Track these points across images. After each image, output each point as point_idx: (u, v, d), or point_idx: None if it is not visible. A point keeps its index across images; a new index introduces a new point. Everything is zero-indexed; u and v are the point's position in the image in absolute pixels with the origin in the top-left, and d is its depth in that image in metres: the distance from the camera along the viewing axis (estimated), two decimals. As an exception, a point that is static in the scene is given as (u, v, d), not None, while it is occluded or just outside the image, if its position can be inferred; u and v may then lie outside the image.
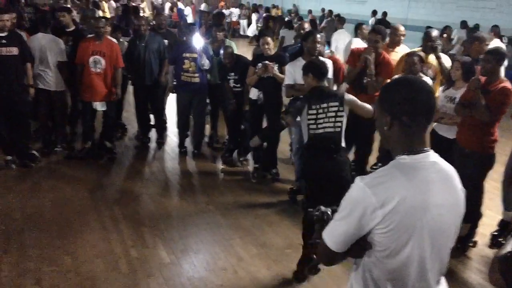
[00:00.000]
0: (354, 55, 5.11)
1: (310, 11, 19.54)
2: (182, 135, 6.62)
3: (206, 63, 6.05)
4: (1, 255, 3.93)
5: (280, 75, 5.31)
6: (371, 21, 14.91)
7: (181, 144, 6.63)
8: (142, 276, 3.78)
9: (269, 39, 5.50)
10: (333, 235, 1.66)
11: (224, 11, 19.44)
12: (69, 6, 11.49)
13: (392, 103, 1.62)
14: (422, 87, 1.62)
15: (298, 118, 3.79)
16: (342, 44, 7.81)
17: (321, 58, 4.89)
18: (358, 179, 1.61)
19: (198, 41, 6.07)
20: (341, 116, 3.70)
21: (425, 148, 1.64)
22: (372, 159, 5.77)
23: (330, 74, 4.84)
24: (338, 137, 3.74)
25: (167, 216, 4.83)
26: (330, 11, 16.85)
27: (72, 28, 6.41)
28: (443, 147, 4.59)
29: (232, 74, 5.93)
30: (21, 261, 3.88)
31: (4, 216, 4.62)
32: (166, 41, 6.79)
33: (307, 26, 6.11)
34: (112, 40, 6.17)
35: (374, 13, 15.95)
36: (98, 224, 4.57)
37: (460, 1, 14.56)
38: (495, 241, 4.44)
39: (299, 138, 5.02)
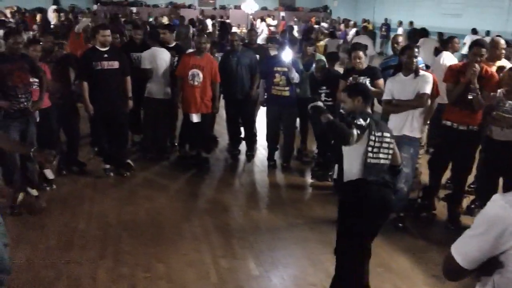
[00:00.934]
0: (453, 72, 4.85)
1: (400, 22, 19.14)
2: (271, 148, 6.66)
3: (295, 76, 6.06)
4: (98, 260, 4.14)
5: (372, 88, 5.17)
6: (468, 38, 14.04)
7: (271, 157, 6.66)
8: (231, 286, 3.81)
9: (360, 53, 5.40)
10: (465, 251, 1.63)
11: (315, 26, 19.47)
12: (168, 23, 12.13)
13: None
14: None
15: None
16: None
17: (421, 72, 4.72)
18: (498, 196, 1.58)
19: (287, 55, 6.11)
20: (393, 149, 3.39)
21: None
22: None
23: (428, 89, 4.64)
24: (387, 170, 3.39)
25: (256, 229, 4.85)
26: (411, 23, 16.41)
27: (173, 44, 6.78)
28: (498, 151, 4.52)
29: (324, 88, 5.88)
30: (116, 266, 4.06)
31: (101, 221, 4.89)
32: (257, 56, 6.92)
33: (401, 39, 5.91)
34: (211, 56, 6.43)
35: (474, 31, 15.02)
36: (189, 234, 4.70)
37: None
38: None
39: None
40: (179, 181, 6.13)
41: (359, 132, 3.14)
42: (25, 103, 4.88)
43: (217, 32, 12.66)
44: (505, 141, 4.50)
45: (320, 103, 3.47)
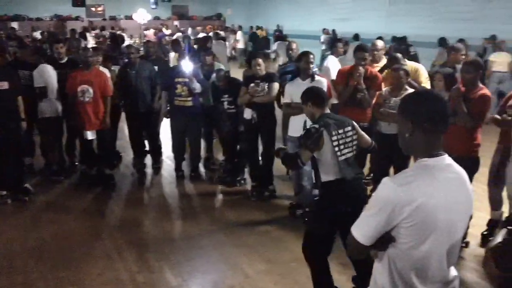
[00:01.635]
0: (342, 75, 5.26)
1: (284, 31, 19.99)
2: (178, 159, 6.67)
3: (197, 86, 6.15)
4: (9, 292, 3.92)
5: (265, 97, 5.48)
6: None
7: (178, 168, 6.67)
8: (151, 300, 3.80)
9: (260, 60, 5.63)
10: (364, 230, 1.83)
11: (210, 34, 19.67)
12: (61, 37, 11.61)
13: (415, 112, 1.82)
14: (440, 99, 1.86)
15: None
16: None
17: (316, 77, 5.05)
18: (387, 179, 1.81)
19: (187, 65, 6.18)
20: (356, 140, 3.62)
21: (441, 152, 1.84)
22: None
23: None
24: (354, 159, 3.65)
25: (170, 240, 4.86)
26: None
27: (66, 59, 6.53)
28: (387, 144, 4.84)
29: (226, 96, 6.04)
30: (29, 295, 3.88)
31: (6, 251, 4.61)
32: (155, 67, 6.91)
33: (295, 46, 6.26)
34: (100, 69, 6.29)
35: (356, 37, 16.01)
36: (101, 253, 4.58)
37: (435, 15, 14.96)
38: (486, 241, 4.56)
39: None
40: (84, 200, 5.93)
41: (312, 146, 3.43)
42: None
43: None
44: (390, 133, 4.96)
45: (284, 147, 3.93)
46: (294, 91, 5.05)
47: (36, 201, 5.84)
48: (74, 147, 6.82)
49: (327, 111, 3.71)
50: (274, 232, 4.97)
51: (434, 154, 1.82)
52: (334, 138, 3.46)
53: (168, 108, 6.51)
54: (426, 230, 1.75)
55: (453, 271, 1.95)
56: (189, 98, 6.25)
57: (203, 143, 7.03)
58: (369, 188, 5.73)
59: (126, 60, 7.03)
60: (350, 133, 3.58)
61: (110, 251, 4.62)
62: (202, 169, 6.94)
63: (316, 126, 3.49)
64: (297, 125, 5.01)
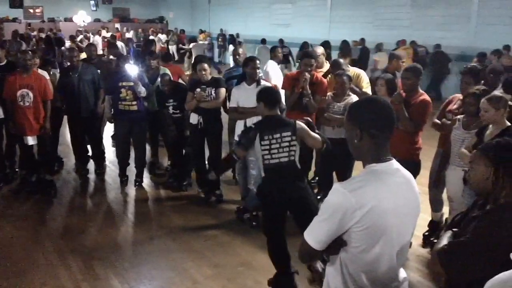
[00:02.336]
0: (289, 80, 5.39)
1: (237, 35, 20.05)
2: (122, 164, 6.55)
3: (142, 90, 6.08)
4: None
5: (212, 102, 5.54)
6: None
7: (123, 173, 6.56)
8: (97, 309, 3.74)
9: (205, 65, 5.65)
10: (315, 234, 1.87)
11: (151, 37, 19.42)
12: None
13: (362, 118, 1.88)
14: (386, 105, 1.91)
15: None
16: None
17: (262, 81, 5.16)
18: (337, 185, 1.85)
19: (132, 69, 6.11)
20: (294, 145, 3.69)
21: (389, 157, 1.91)
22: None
23: None
24: (293, 166, 3.73)
25: (116, 247, 4.79)
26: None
27: (4, 62, 6.28)
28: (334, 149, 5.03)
29: (171, 100, 6.02)
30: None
31: None
32: (98, 71, 6.77)
33: (241, 51, 6.35)
34: (40, 72, 6.10)
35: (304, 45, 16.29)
36: (44, 261, 4.45)
37: (376, 21, 15.54)
38: (427, 241, 4.82)
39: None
40: (25, 207, 5.72)
41: (245, 144, 3.72)
42: None
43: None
44: (336, 138, 5.14)
45: (235, 156, 3.94)
46: (240, 95, 5.13)
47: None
48: (14, 152, 6.54)
49: (277, 113, 3.83)
50: (221, 237, 5.01)
51: (382, 160, 1.88)
52: (265, 142, 3.64)
53: (112, 112, 6.40)
54: (377, 234, 1.81)
55: (402, 273, 2.03)
56: (134, 102, 6.16)
57: (148, 148, 6.96)
58: (314, 191, 5.93)
59: (68, 63, 6.84)
60: (287, 138, 3.66)
61: (53, 259, 4.50)
62: (147, 174, 6.86)
63: (253, 126, 3.77)
64: (242, 129, 5.09)
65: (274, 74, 6.44)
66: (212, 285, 4.09)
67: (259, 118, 5.04)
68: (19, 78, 5.77)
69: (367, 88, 5.77)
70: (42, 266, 4.36)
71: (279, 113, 3.88)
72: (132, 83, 6.07)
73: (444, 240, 2.16)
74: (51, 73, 6.63)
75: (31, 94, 5.77)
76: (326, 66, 6.25)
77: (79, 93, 6.33)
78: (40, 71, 6.19)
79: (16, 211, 5.58)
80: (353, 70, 5.88)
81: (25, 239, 4.89)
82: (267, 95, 3.83)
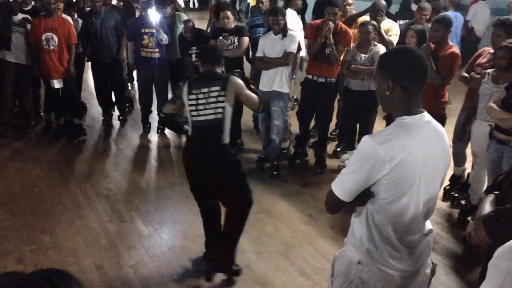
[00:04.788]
0: (312, 29, 5.28)
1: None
2: (145, 111, 6.62)
3: (164, 37, 6.05)
4: (-21, 240, 3.94)
5: (235, 51, 5.49)
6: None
7: (145, 120, 6.64)
8: (123, 248, 3.90)
9: (229, 13, 5.57)
10: (343, 186, 1.88)
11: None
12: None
13: (394, 69, 1.85)
14: (419, 55, 1.87)
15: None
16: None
17: (289, 31, 5.06)
18: (367, 137, 1.84)
19: (154, 15, 6.04)
20: (222, 102, 3.26)
21: (421, 109, 1.89)
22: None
23: (294, 48, 5.00)
24: (219, 126, 3.30)
25: (140, 191, 4.93)
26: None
27: (29, 7, 6.30)
28: (356, 101, 5.11)
29: (194, 48, 5.98)
30: (1, 243, 3.90)
31: (-27, 200, 4.59)
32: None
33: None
34: (64, 16, 6.10)
35: None
36: (71, 203, 4.62)
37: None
38: (448, 195, 4.84)
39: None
40: (51, 150, 5.87)
41: (171, 100, 3.49)
42: None
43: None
44: (360, 90, 5.10)
45: (162, 114, 3.71)
46: (266, 45, 5.07)
47: (3, 151, 5.75)
48: (39, 96, 6.67)
49: (213, 69, 3.39)
50: (241, 184, 5.10)
51: (413, 112, 1.86)
52: (192, 97, 3.28)
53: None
54: (405, 186, 1.82)
55: (428, 225, 2.05)
56: (156, 50, 6.15)
57: (170, 96, 6.98)
58: (334, 143, 5.95)
59: (90, 8, 6.80)
60: (215, 93, 3.25)
61: (80, 201, 4.66)
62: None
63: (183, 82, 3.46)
64: (268, 80, 5.08)
65: (291, 23, 6.29)
66: (232, 230, 4.21)
67: (286, 68, 5.04)
68: (43, 21, 5.81)
69: (393, 38, 5.58)
70: (69, 207, 4.53)
71: (219, 71, 3.45)
72: (154, 30, 6.04)
73: (487, 205, 2.09)
74: (75, 17, 6.62)
75: (55, 38, 5.82)
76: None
77: (102, 39, 6.33)
78: (64, 15, 6.19)
79: (42, 154, 5.73)
80: (386, 22, 5.66)
81: (52, 181, 5.05)
82: (203, 54, 3.58)
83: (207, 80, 3.32)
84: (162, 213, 4.49)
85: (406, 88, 1.84)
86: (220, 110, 3.27)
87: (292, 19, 6.42)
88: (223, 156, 3.36)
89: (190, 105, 3.30)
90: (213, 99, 3.26)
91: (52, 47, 5.84)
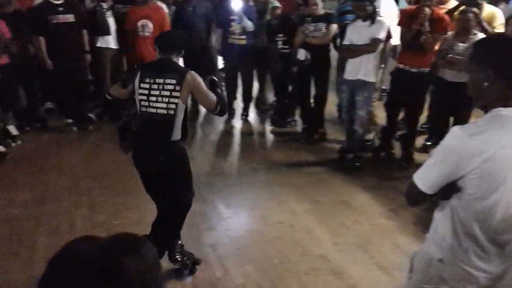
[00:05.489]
0: (405, 16, 5.06)
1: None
2: (230, 97, 6.75)
3: (248, 25, 6.09)
4: (75, 210, 4.27)
5: (321, 38, 5.41)
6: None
7: (230, 106, 6.77)
8: (204, 228, 4.03)
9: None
10: (426, 177, 1.79)
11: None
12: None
13: (496, 58, 1.71)
14: None
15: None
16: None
17: (378, 18, 4.91)
18: (456, 128, 1.73)
19: (236, 2, 6.12)
20: (176, 97, 2.99)
21: None
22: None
23: (382, 35, 4.84)
24: (171, 122, 3.04)
25: (222, 175, 5.06)
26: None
27: None
28: (451, 92, 4.82)
29: (281, 35, 5.98)
30: (93, 215, 4.20)
31: (71, 175, 4.95)
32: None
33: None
34: (158, 4, 6.35)
35: None
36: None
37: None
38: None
39: (349, 98, 5.10)
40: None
41: (120, 81, 3.13)
42: (-18, 60, 4.76)
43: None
44: (456, 82, 4.81)
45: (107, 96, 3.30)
46: (353, 32, 4.94)
47: (99, 131, 6.14)
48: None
49: (174, 59, 3.13)
50: (322, 174, 5.07)
51: (510, 104, 1.71)
52: (144, 86, 3.04)
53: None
54: (495, 183, 1.69)
55: None
56: (243, 36, 6.24)
57: (255, 83, 7.08)
58: (424, 137, 5.70)
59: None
60: (169, 87, 2.98)
61: (166, 181, 4.87)
62: (253, 109, 7.03)
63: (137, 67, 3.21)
64: (353, 68, 4.96)
65: (386, 9, 6.07)
66: (311, 219, 4.20)
67: (372, 56, 4.89)
68: (138, 9, 6.08)
69: (499, 29, 5.21)
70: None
71: (176, 60, 3.17)
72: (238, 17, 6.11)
73: None
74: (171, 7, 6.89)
75: (150, 25, 6.06)
76: (453, 2, 5.68)
77: (192, 26, 6.52)
78: (159, 3, 6.46)
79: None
80: (487, 8, 5.31)
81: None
82: (160, 39, 3.26)
83: (162, 70, 3.05)
84: (242, 197, 4.58)
85: (509, 78, 1.69)
86: (172, 106, 3.00)
87: (388, 5, 6.21)
88: (170, 154, 3.14)
89: (141, 94, 3.05)
90: (167, 93, 3.00)
91: (147, 34, 6.08)
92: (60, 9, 5.61)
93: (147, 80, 3.04)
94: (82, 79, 6.05)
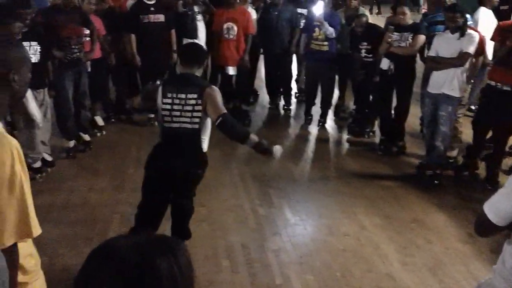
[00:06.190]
0: (499, 30, 4.75)
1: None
2: (309, 103, 6.71)
3: (329, 31, 6.01)
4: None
5: (407, 48, 5.22)
6: None
7: (308, 112, 6.73)
8: (268, 232, 4.02)
9: (405, 8, 5.33)
10: (497, 208, 1.68)
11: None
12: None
13: None
14: None
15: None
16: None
17: (468, 30, 4.66)
18: None
19: (319, 8, 6.06)
20: (199, 112, 3.05)
21: None
22: None
23: (471, 49, 4.58)
24: (196, 135, 3.12)
25: (293, 180, 5.03)
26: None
27: None
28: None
29: (365, 43, 5.85)
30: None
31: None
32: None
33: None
34: (245, 8, 6.46)
35: None
36: (229, 182, 4.92)
37: None
38: None
39: (432, 112, 4.88)
40: (216, 132, 6.29)
41: (143, 94, 3.18)
42: (78, 54, 5.09)
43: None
44: None
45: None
46: (440, 44, 4.73)
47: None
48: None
49: (196, 72, 3.15)
50: (397, 189, 4.87)
51: None
52: (167, 101, 3.06)
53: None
54: None
55: None
56: (325, 43, 6.17)
57: (336, 90, 6.97)
58: (511, 159, 5.32)
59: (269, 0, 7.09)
60: (192, 101, 3.03)
61: (237, 181, 4.94)
62: (331, 116, 6.92)
63: (158, 81, 3.23)
64: (437, 81, 4.74)
65: (484, 23, 5.74)
66: (379, 234, 4.05)
67: (459, 70, 4.63)
68: (225, 12, 6.23)
69: None
70: (227, 185, 4.84)
71: (197, 74, 3.17)
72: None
73: None
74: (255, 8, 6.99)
75: (235, 28, 6.20)
76: None
77: (276, 30, 6.57)
78: (249, 8, 6.57)
79: (211, 134, 6.18)
80: None
81: (215, 159, 5.34)
82: (183, 51, 3.31)
83: (183, 85, 3.09)
84: (310, 204, 4.53)
85: None
86: (196, 120, 3.06)
87: (487, 18, 5.88)
88: (197, 165, 3.21)
89: (164, 110, 3.09)
90: (190, 107, 3.04)
91: (231, 36, 6.23)
92: (152, 9, 5.89)
93: (169, 95, 3.07)
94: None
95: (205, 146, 3.21)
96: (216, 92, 3.09)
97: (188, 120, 3.06)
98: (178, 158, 3.11)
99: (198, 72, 3.19)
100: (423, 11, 9.34)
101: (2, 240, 1.53)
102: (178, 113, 3.06)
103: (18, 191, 1.55)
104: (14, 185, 1.54)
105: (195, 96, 3.03)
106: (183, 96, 3.04)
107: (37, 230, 1.62)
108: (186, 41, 6.35)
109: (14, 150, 1.56)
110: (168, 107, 3.08)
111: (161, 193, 3.26)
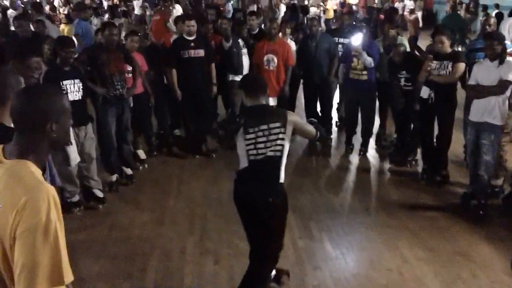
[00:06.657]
0: None
1: (497, 5, 17.50)
2: (349, 132, 6.70)
3: (367, 61, 6.01)
4: (187, 236, 4.51)
5: (446, 77, 5.16)
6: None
7: (349, 141, 6.70)
8: (309, 267, 4.00)
9: (444, 37, 5.26)
10: None
11: (396, 4, 18.70)
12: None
13: None
14: None
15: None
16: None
17: (508, 58, 4.61)
18: None
19: (357, 38, 6.09)
20: (283, 139, 3.14)
21: None
22: None
23: (511, 77, 4.47)
24: (278, 163, 3.19)
25: (332, 211, 5.00)
26: (496, 5, 14.88)
27: (256, 30, 7.00)
28: None
29: (404, 72, 5.81)
30: (203, 242, 4.40)
31: (188, 200, 5.27)
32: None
33: (492, 22, 5.65)
34: (284, 40, 6.58)
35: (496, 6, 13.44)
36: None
37: None
38: None
39: (474, 141, 4.77)
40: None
41: (226, 132, 3.18)
42: (121, 90, 5.30)
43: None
44: None
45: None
46: (479, 72, 4.67)
47: (220, 159, 6.41)
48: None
49: (263, 102, 3.26)
50: (440, 220, 4.76)
51: None
52: (250, 136, 3.12)
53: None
54: None
55: None
56: (364, 72, 6.18)
57: (376, 119, 6.91)
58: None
59: (308, 31, 7.19)
60: (276, 130, 3.11)
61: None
62: (372, 144, 6.86)
63: (239, 118, 3.26)
64: (478, 110, 4.66)
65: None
66: (423, 268, 3.95)
67: (501, 98, 4.53)
68: (266, 44, 6.39)
69: None
70: (267, 218, 4.84)
71: (264, 102, 3.29)
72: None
73: None
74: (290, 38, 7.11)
75: (275, 59, 6.35)
76: None
77: (315, 60, 6.64)
78: (289, 40, 6.68)
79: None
80: None
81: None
82: (246, 83, 3.36)
83: (262, 115, 3.17)
84: (351, 237, 4.48)
85: None
86: (279, 147, 3.14)
87: None
88: (277, 194, 3.27)
89: (248, 145, 3.15)
90: (274, 136, 3.12)
91: (272, 68, 6.38)
92: (192, 44, 6.09)
93: (251, 130, 3.14)
94: (208, 110, 6.42)
95: (282, 175, 3.28)
96: (295, 116, 3.32)
97: (272, 148, 3.15)
98: (257, 186, 3.23)
99: (265, 100, 3.33)
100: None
101: (35, 286, 1.55)
102: (262, 145, 3.14)
103: (52, 238, 1.59)
104: (49, 232, 1.58)
105: (278, 124, 3.13)
106: (265, 127, 3.13)
107: (69, 278, 1.65)
108: (232, 77, 6.54)
109: (51, 197, 1.62)
110: (253, 141, 3.15)
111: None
